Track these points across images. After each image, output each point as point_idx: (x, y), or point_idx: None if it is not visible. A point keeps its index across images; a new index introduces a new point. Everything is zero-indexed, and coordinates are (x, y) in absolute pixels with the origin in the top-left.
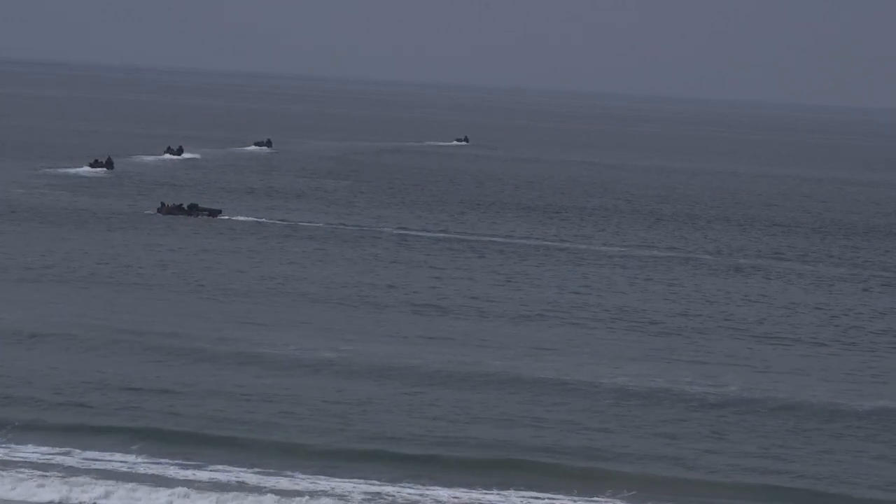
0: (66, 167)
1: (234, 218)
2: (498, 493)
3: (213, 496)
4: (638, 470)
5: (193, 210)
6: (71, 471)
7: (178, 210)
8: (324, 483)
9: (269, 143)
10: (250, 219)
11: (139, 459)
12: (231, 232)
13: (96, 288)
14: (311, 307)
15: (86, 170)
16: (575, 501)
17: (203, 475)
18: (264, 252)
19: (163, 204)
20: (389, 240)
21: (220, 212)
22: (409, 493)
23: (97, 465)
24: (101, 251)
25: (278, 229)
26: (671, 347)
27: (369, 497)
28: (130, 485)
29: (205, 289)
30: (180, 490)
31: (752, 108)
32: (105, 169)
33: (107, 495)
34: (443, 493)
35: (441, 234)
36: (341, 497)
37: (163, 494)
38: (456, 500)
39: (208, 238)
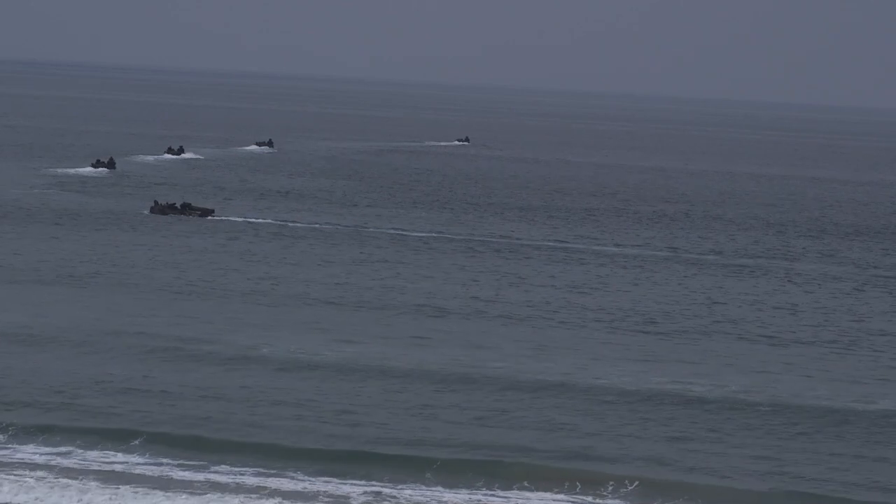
0: (69, 167)
1: (227, 218)
2: (499, 495)
3: (213, 497)
4: (637, 472)
5: (186, 209)
6: (70, 472)
7: (170, 209)
8: (324, 484)
9: (270, 144)
10: (243, 219)
11: (139, 461)
12: (222, 232)
13: (84, 288)
14: (308, 308)
15: (88, 170)
16: (575, 503)
17: (202, 476)
18: (254, 252)
19: (156, 203)
20: (388, 240)
21: (212, 211)
22: (410, 495)
23: (95, 467)
24: (89, 251)
25: (269, 229)
26: (671, 348)
27: (370, 498)
28: (130, 486)
29: (197, 289)
30: (180, 491)
31: (776, 110)
32: (107, 169)
33: (107, 497)
34: (444, 494)
35: (441, 235)
36: (341, 498)
37: (162, 496)
38: (458, 502)
39: (195, 238)
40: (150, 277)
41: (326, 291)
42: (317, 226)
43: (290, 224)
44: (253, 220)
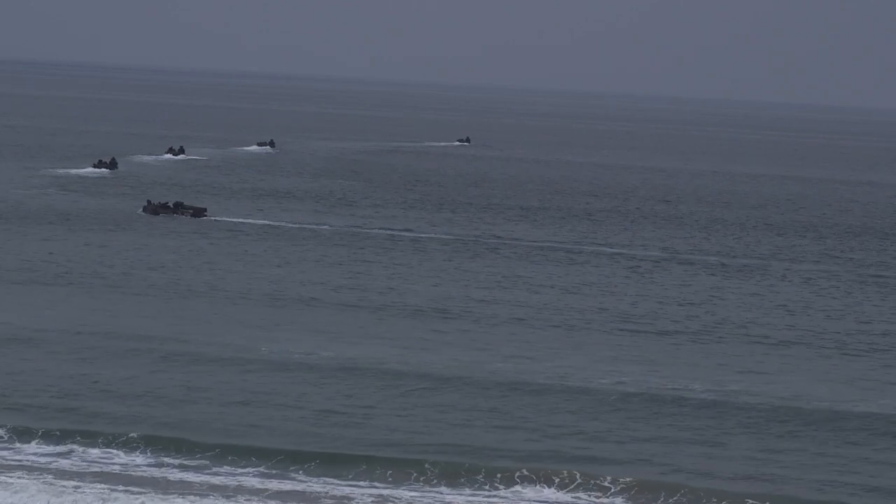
0: (70, 168)
1: (220, 218)
2: (500, 495)
3: (213, 499)
4: (636, 473)
5: (178, 208)
6: (69, 474)
7: (163, 208)
8: (325, 486)
9: (271, 144)
10: (236, 219)
11: (139, 462)
12: (213, 231)
13: (75, 288)
14: (306, 309)
15: (89, 170)
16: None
17: (203, 478)
18: (244, 252)
19: (149, 202)
20: (387, 241)
21: (204, 210)
22: (412, 496)
23: (95, 469)
24: (80, 251)
25: (261, 229)
26: (670, 349)
27: (372, 500)
28: (130, 488)
29: (190, 289)
30: (180, 493)
31: (776, 109)
32: (108, 169)
33: (107, 499)
34: (446, 496)
35: (441, 236)
36: (344, 499)
37: (162, 498)
38: (459, 502)
39: (185, 238)
40: (141, 277)
41: (324, 292)
42: (312, 226)
43: (285, 224)
44: (246, 220)
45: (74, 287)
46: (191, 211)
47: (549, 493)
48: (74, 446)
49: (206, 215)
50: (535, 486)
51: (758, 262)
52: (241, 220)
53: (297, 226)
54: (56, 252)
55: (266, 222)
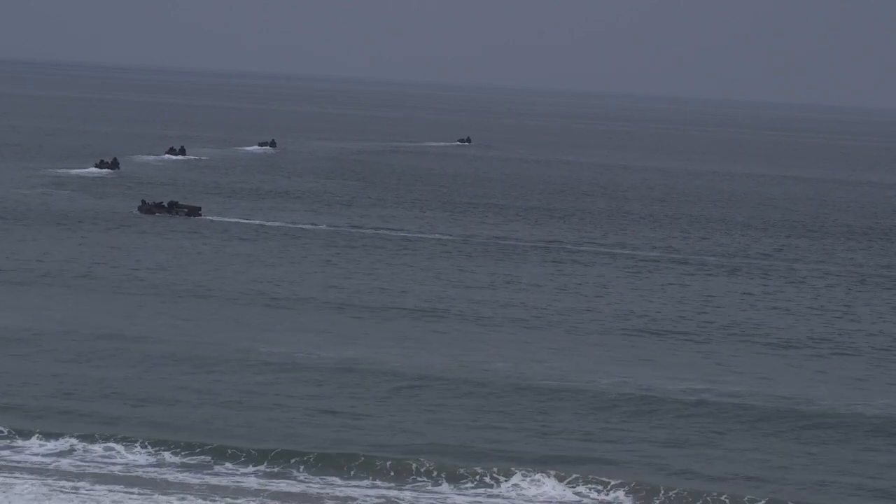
0: (71, 168)
1: (216, 218)
2: (502, 496)
3: (213, 499)
4: (636, 474)
5: (173, 208)
6: (69, 475)
7: (157, 208)
8: (326, 487)
9: (272, 144)
10: (231, 218)
11: (140, 462)
12: (206, 231)
13: (67, 289)
14: (305, 310)
15: (91, 170)
16: None
17: (203, 479)
18: (237, 252)
19: (143, 202)
20: (385, 241)
21: (199, 210)
22: (413, 496)
23: (94, 469)
24: (74, 251)
25: (255, 228)
26: (669, 350)
27: (373, 501)
28: (130, 488)
29: (186, 290)
30: (180, 494)
31: (777, 109)
32: (110, 169)
33: (107, 499)
34: (447, 496)
35: (440, 236)
36: (347, 500)
37: (162, 499)
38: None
39: (180, 238)
40: (137, 277)
41: (322, 292)
42: (309, 226)
43: (282, 224)
44: (239, 219)
45: (70, 287)
46: (185, 210)
47: (549, 492)
48: (74, 446)
49: (200, 214)
50: (535, 485)
51: (757, 262)
52: (235, 219)
53: (293, 225)
54: (51, 252)
55: (261, 222)
